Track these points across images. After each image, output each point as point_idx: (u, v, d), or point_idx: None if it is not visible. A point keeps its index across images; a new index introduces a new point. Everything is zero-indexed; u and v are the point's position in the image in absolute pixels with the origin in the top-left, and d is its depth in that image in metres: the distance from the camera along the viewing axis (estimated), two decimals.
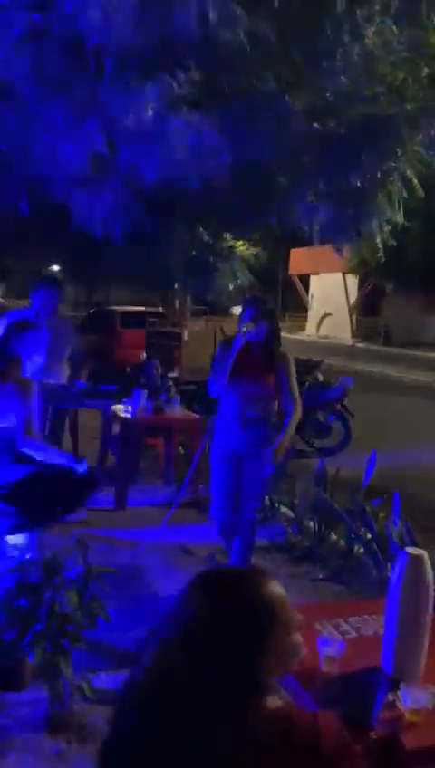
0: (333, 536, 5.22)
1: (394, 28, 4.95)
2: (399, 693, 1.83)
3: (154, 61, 4.70)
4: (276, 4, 4.97)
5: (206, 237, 7.09)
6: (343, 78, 5.29)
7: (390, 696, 1.85)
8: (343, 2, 5.31)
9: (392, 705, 1.82)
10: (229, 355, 4.10)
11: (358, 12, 5.10)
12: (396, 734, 1.68)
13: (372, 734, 1.69)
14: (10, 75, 4.69)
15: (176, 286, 14.92)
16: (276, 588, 1.46)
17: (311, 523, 5.33)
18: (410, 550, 1.93)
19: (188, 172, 4.78)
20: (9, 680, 3.05)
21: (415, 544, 4.63)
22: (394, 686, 1.89)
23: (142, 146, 4.74)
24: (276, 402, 4.25)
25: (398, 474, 6.68)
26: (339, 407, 8.68)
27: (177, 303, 16.75)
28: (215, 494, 4.34)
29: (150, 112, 4.49)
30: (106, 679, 3.25)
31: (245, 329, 4.08)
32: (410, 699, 1.77)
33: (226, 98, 5.25)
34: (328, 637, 2.05)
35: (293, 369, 4.28)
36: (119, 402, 6.12)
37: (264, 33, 4.78)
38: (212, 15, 4.35)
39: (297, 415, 4.21)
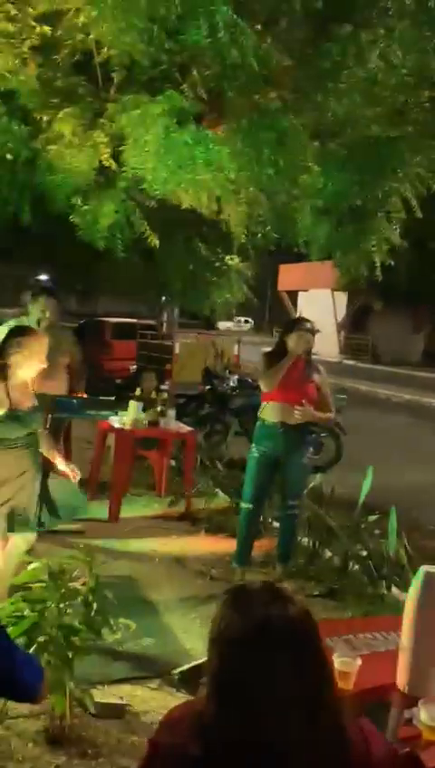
0: (328, 553, 5.22)
1: (398, 52, 5.02)
2: (415, 710, 1.83)
3: (163, 76, 4.74)
4: (283, 25, 5.05)
5: (204, 252, 7.15)
6: (345, 99, 5.36)
7: (406, 714, 1.85)
8: (347, 25, 5.40)
9: (409, 722, 1.82)
10: (287, 359, 4.49)
11: (362, 35, 5.18)
12: (415, 753, 1.68)
13: None
14: (18, 85, 4.72)
15: (164, 299, 14.96)
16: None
17: (305, 540, 5.32)
18: (429, 568, 1.94)
19: (195, 187, 4.82)
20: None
21: (410, 562, 4.66)
22: (411, 703, 1.89)
23: (149, 159, 4.77)
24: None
25: (390, 491, 6.69)
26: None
27: (165, 316, 16.76)
28: (248, 485, 4.72)
29: (158, 126, 4.52)
30: (107, 692, 3.24)
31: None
32: (428, 717, 1.76)
33: (230, 115, 5.30)
34: (343, 653, 2.05)
35: (326, 378, 4.74)
36: (116, 413, 6.11)
37: (270, 52, 4.84)
38: (222, 34, 4.40)
39: (329, 412, 4.67)
